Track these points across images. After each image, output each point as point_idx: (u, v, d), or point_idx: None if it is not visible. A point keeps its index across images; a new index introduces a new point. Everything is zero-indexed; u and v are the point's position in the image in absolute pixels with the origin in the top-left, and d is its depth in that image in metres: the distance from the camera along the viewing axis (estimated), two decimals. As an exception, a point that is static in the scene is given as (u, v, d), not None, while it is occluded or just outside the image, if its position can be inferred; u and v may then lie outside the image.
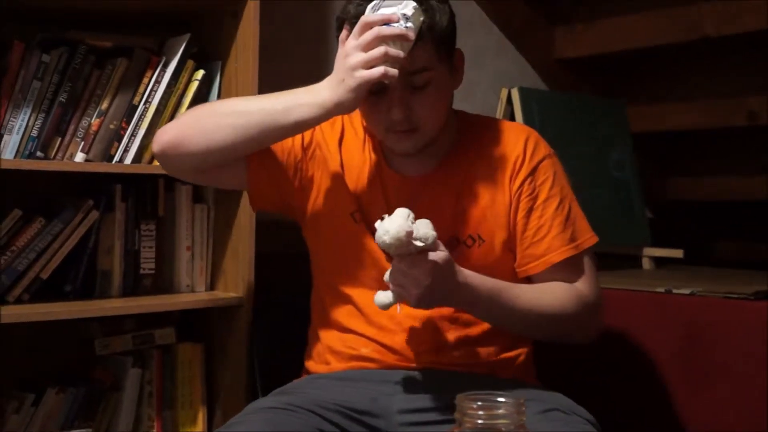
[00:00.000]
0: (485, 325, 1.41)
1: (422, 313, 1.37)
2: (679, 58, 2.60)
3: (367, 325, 1.42)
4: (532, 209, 1.42)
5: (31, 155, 1.66)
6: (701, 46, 2.42)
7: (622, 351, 1.71)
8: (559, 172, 1.47)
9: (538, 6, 2.69)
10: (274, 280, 1.81)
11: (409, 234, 1.17)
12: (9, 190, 1.72)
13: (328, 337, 1.46)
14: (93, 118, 1.72)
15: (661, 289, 1.74)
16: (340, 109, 1.33)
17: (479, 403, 0.90)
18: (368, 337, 1.42)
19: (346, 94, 1.30)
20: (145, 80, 1.76)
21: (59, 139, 1.69)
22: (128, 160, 1.73)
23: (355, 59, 1.28)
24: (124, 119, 1.74)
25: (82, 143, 1.71)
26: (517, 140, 1.46)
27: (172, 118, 1.77)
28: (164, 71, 1.76)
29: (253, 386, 1.70)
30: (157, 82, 1.76)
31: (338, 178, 1.46)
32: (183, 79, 1.78)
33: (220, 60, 1.84)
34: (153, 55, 1.78)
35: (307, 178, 1.47)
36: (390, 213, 1.20)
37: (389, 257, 1.28)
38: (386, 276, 1.29)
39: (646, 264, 2.31)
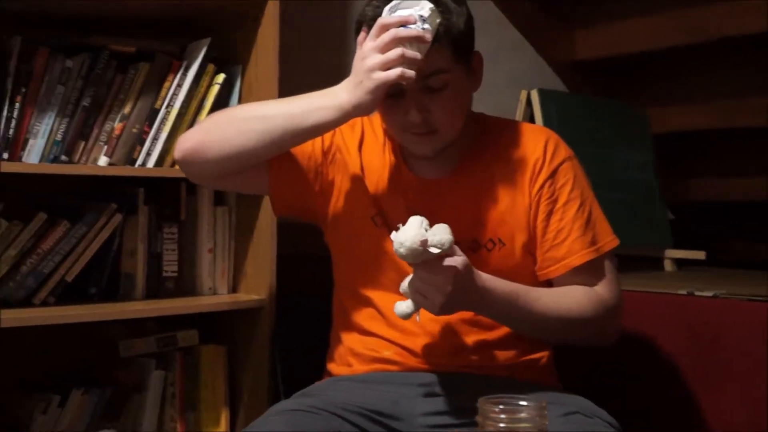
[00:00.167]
0: (506, 329, 1.41)
1: (444, 317, 1.38)
2: (686, 59, 2.59)
3: (389, 328, 1.42)
4: (552, 212, 1.42)
5: (55, 159, 1.67)
6: (708, 48, 2.40)
7: (644, 354, 1.70)
8: (580, 174, 1.46)
9: (556, 7, 2.69)
10: (295, 282, 1.82)
11: (424, 242, 1.17)
12: (34, 193, 1.75)
13: (349, 340, 1.47)
14: (116, 122, 1.74)
15: (683, 292, 1.73)
16: (358, 111, 1.34)
17: (501, 407, 0.90)
18: (390, 340, 1.42)
19: (363, 95, 1.31)
20: (167, 84, 1.77)
21: (83, 143, 1.71)
22: (150, 164, 1.75)
23: (372, 61, 1.29)
24: (147, 123, 1.76)
25: (105, 147, 1.73)
26: (537, 143, 1.46)
27: (193, 121, 1.78)
28: (185, 75, 1.78)
29: (275, 388, 1.71)
30: (179, 86, 1.77)
31: (358, 182, 1.46)
32: (204, 83, 1.80)
33: (241, 64, 1.86)
34: (174, 59, 1.80)
35: (327, 182, 1.48)
36: (409, 216, 1.21)
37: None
38: (403, 287, 1.29)
39: (667, 266, 2.30)
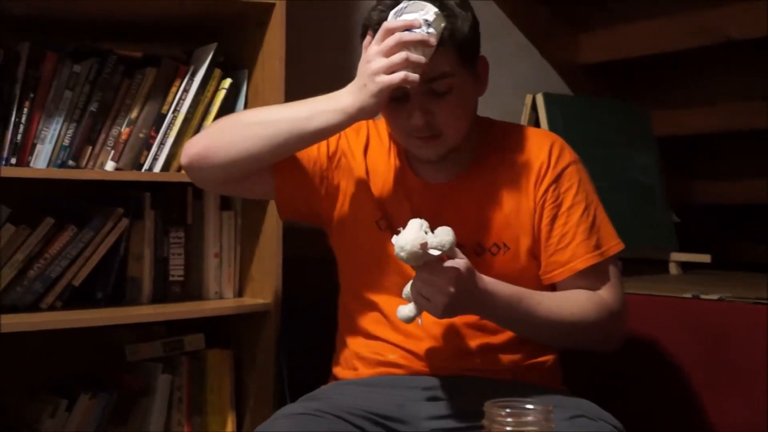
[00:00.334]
0: (510, 332, 1.41)
1: (448, 320, 1.38)
2: (690, 62, 2.59)
3: (394, 332, 1.43)
4: (556, 216, 1.43)
5: (63, 164, 1.69)
6: (712, 50, 2.41)
7: (649, 357, 1.70)
8: (584, 178, 1.47)
9: (560, 10, 2.69)
10: (301, 286, 1.82)
11: (424, 245, 1.18)
12: (41, 198, 1.76)
13: (355, 344, 1.47)
14: (123, 127, 1.75)
15: (689, 295, 1.73)
16: (362, 114, 1.34)
17: (508, 410, 0.90)
18: (395, 344, 1.43)
19: (367, 99, 1.32)
20: (174, 89, 1.78)
21: (90, 148, 1.72)
22: (157, 169, 1.76)
23: (376, 64, 1.29)
24: (153, 128, 1.77)
25: (113, 152, 1.74)
26: (542, 147, 1.46)
27: (200, 126, 1.79)
28: (192, 80, 1.79)
29: (281, 392, 1.71)
30: (185, 90, 1.78)
31: (363, 186, 1.47)
32: (210, 88, 1.81)
33: (247, 68, 1.86)
34: (181, 64, 1.81)
35: (332, 186, 1.48)
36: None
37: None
38: (405, 291, 1.30)
39: (672, 269, 2.30)
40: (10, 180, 1.62)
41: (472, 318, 1.39)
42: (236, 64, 1.87)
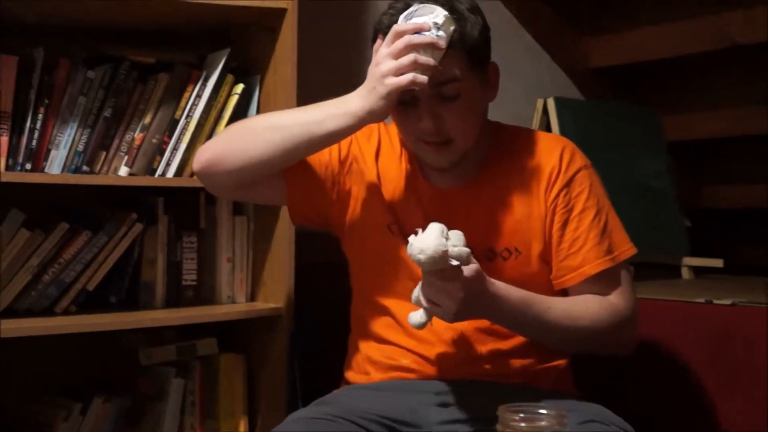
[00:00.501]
0: (522, 337, 1.41)
1: (460, 325, 1.38)
2: (701, 66, 2.59)
3: (406, 337, 1.43)
4: (567, 221, 1.42)
5: (77, 169, 1.70)
6: (722, 55, 2.40)
7: (661, 362, 1.70)
8: (596, 183, 1.46)
9: (569, 15, 2.69)
10: (313, 290, 1.83)
11: (445, 253, 1.18)
12: (56, 203, 1.77)
13: (367, 348, 1.48)
14: (136, 133, 1.76)
15: (701, 300, 1.72)
16: (371, 117, 1.35)
17: (521, 415, 0.90)
18: (407, 349, 1.43)
19: (376, 101, 1.32)
20: (186, 94, 1.79)
21: (104, 153, 1.73)
22: (170, 174, 1.77)
23: (385, 67, 1.30)
24: (166, 133, 1.78)
25: (126, 157, 1.75)
26: (553, 151, 1.46)
27: (212, 131, 1.80)
28: (205, 85, 1.80)
29: (293, 396, 1.72)
30: (198, 96, 1.79)
31: (375, 191, 1.47)
32: (223, 93, 1.81)
33: (259, 74, 1.87)
34: (194, 69, 1.82)
35: (344, 191, 1.49)
36: (426, 225, 1.21)
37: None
38: (414, 297, 1.29)
39: (685, 274, 2.29)
40: (25, 185, 1.64)
41: (483, 323, 1.39)
42: (248, 69, 1.88)
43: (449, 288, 1.23)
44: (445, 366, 1.41)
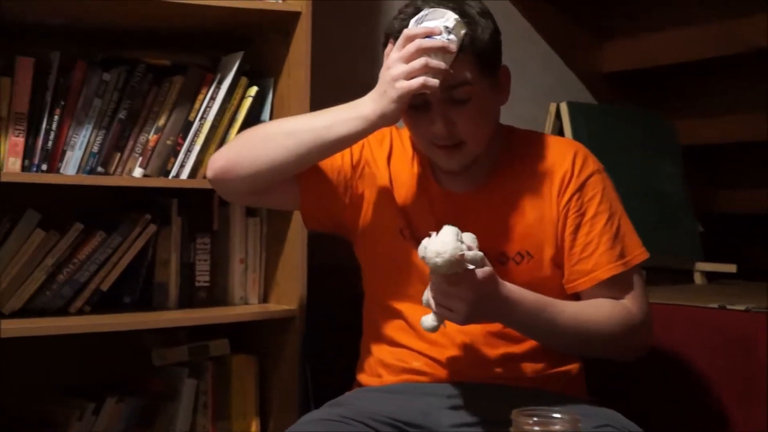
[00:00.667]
0: (534, 341, 1.41)
1: (472, 328, 1.38)
2: (714, 71, 2.58)
3: (418, 340, 1.43)
4: (580, 225, 1.42)
5: (92, 171, 1.71)
6: (736, 59, 2.39)
7: (674, 367, 1.69)
8: (608, 187, 1.46)
9: (582, 19, 2.69)
10: (326, 292, 1.83)
11: (462, 257, 1.17)
12: (71, 204, 1.78)
13: (379, 351, 1.48)
14: (150, 134, 1.77)
15: (715, 305, 1.71)
16: (383, 120, 1.35)
17: (535, 419, 0.90)
18: (419, 352, 1.43)
19: (388, 105, 1.32)
20: (201, 97, 1.80)
21: (118, 154, 1.75)
22: (184, 175, 1.78)
23: (396, 70, 1.30)
24: (180, 135, 1.79)
25: (140, 159, 1.76)
26: (565, 155, 1.46)
27: (226, 133, 1.81)
28: (219, 88, 1.81)
29: (305, 398, 1.72)
30: (212, 98, 1.80)
31: (387, 195, 1.48)
32: (237, 96, 1.82)
33: (273, 77, 1.88)
34: (208, 72, 1.83)
35: (356, 195, 1.49)
36: (438, 229, 1.21)
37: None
38: (425, 299, 1.29)
39: (698, 279, 2.28)
40: (41, 186, 1.65)
41: (495, 326, 1.39)
42: (262, 72, 1.89)
43: (460, 291, 1.23)
44: (457, 369, 1.41)
